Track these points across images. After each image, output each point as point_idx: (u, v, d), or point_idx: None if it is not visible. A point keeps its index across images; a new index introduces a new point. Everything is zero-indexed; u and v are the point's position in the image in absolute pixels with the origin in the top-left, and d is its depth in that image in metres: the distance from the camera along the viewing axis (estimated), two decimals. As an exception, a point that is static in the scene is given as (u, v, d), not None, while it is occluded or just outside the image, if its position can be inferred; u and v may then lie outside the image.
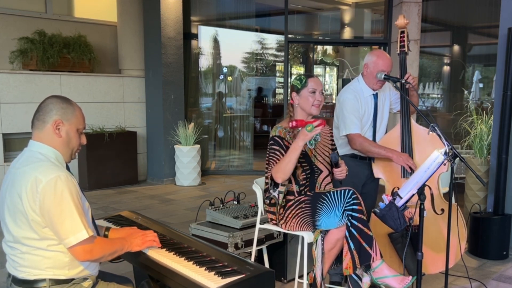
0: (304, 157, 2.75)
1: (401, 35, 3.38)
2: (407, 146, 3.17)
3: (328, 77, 11.63)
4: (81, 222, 1.75)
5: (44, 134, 1.86)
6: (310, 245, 2.69)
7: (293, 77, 9.31)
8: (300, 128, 2.67)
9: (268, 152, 2.74)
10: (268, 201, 2.80)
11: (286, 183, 2.72)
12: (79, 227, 1.74)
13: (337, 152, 2.89)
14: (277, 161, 2.66)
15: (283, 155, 2.67)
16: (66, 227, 1.73)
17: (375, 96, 3.30)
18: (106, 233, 2.17)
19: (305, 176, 2.77)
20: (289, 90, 3.10)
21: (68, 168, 1.93)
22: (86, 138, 2.01)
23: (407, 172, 3.12)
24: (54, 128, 1.85)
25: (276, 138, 2.72)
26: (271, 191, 2.76)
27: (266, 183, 2.81)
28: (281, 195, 2.72)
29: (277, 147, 2.70)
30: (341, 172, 2.74)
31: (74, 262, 1.82)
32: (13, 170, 1.85)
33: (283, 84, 8.14)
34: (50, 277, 1.80)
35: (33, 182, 1.73)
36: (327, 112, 9.21)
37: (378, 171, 3.25)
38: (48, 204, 1.72)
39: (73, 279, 1.84)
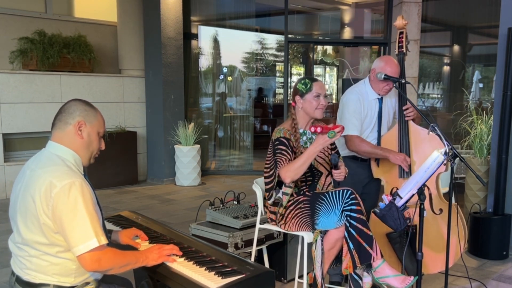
0: None
1: (400, 36, 3.38)
2: (404, 146, 3.17)
3: (328, 77, 11.63)
4: (93, 230, 1.71)
5: (65, 135, 1.85)
6: (310, 245, 2.69)
7: (296, 78, 9.34)
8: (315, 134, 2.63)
9: (274, 153, 2.71)
10: (271, 201, 2.79)
11: (291, 184, 2.72)
12: (89, 235, 1.70)
13: (337, 154, 2.88)
14: (286, 160, 2.65)
15: (290, 155, 2.66)
16: (76, 234, 1.70)
17: (380, 100, 3.28)
18: (109, 234, 2.15)
19: (304, 179, 2.77)
20: (290, 90, 3.09)
21: (85, 172, 1.92)
22: None
23: (404, 172, 3.12)
24: (76, 129, 1.85)
25: (282, 139, 2.71)
26: (274, 192, 2.76)
27: (267, 183, 2.80)
28: (286, 197, 2.72)
29: (284, 147, 2.68)
30: (339, 174, 2.72)
31: (80, 270, 1.80)
32: (28, 172, 1.82)
33: (283, 84, 8.13)
34: (54, 283, 1.78)
35: (47, 187, 1.71)
36: (328, 112, 9.20)
37: (376, 171, 3.26)
38: (60, 210, 1.70)
39: (76, 286, 1.83)
